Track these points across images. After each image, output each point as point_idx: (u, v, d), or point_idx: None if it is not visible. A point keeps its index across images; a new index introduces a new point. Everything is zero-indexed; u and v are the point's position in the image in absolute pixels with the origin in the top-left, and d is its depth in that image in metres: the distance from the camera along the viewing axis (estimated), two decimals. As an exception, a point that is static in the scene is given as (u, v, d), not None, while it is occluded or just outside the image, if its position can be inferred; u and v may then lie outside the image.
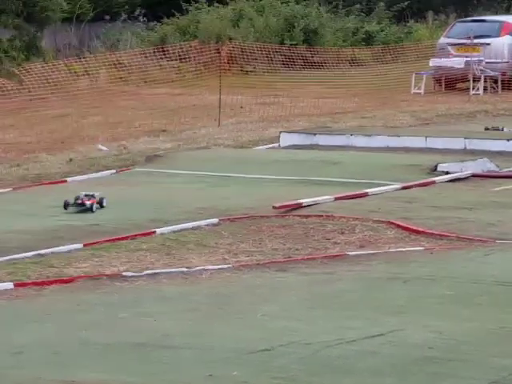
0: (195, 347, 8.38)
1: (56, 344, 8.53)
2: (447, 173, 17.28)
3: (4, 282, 10.62)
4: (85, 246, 12.34)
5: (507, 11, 38.54)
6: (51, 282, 10.71)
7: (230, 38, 39.00)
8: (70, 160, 19.31)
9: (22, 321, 9.36)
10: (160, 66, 36.99)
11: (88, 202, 14.62)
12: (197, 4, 43.52)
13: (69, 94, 30.29)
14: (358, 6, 48.95)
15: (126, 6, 46.34)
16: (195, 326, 9.06)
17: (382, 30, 46.59)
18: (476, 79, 30.92)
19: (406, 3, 49.63)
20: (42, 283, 10.68)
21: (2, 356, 8.29)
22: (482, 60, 31.29)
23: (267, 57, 39.21)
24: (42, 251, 12.04)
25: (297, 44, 42.02)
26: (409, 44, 42.76)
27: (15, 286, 10.55)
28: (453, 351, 8.12)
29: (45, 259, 11.73)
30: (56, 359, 8.15)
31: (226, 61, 33.27)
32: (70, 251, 12.06)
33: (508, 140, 19.77)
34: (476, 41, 32.24)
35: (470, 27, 33.98)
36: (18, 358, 8.17)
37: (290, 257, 11.78)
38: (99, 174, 17.87)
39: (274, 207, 14.54)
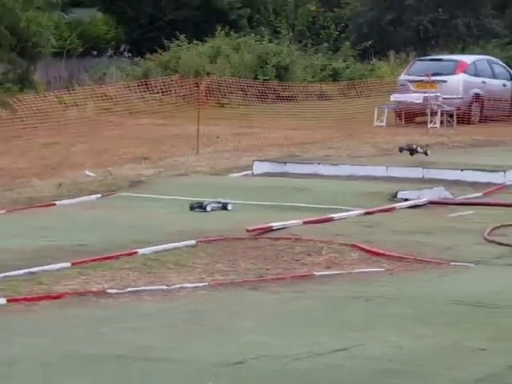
0: (173, 360, 8.44)
1: (44, 356, 8.57)
2: (406, 200, 17.35)
3: (-3, 297, 10.65)
4: (73, 264, 12.36)
5: (462, 51, 38.78)
6: (41, 298, 10.72)
7: (208, 73, 39.04)
8: (60, 185, 19.31)
9: (13, 334, 9.36)
10: (143, 98, 37.01)
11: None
12: (177, 41, 43.49)
13: (59, 123, 30.27)
14: (325, 44, 48.99)
15: (113, 43, 46.35)
16: (173, 341, 9.10)
17: (348, 67, 46.70)
18: (433, 113, 31.02)
19: (369, 42, 49.75)
20: (33, 299, 10.68)
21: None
22: (439, 96, 31.36)
23: (242, 91, 39.28)
24: (33, 269, 12.05)
25: (269, 79, 42.06)
26: (372, 80, 42.86)
27: (8, 301, 10.55)
28: (410, 364, 8.20)
29: (35, 277, 11.74)
30: (44, 370, 8.19)
31: (204, 94, 33.29)
32: (58, 269, 12.09)
33: (462, 170, 19.86)
34: (433, 78, 32.37)
35: (428, 65, 34.21)
36: (9, 368, 8.20)
37: (261, 276, 11.82)
38: (86, 198, 17.87)
39: (247, 230, 14.56)
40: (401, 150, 22.51)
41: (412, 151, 22.06)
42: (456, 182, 18.88)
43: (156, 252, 13.09)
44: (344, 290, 11.13)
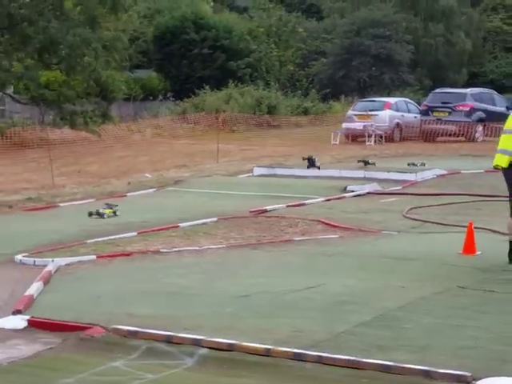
0: (203, 294, 8.54)
1: (121, 291, 8.62)
2: (352, 191, 17.36)
3: (90, 255, 10.66)
4: (138, 233, 12.44)
5: (388, 95, 38.78)
6: (118, 255, 10.78)
7: (224, 110, 38.86)
8: (129, 183, 19.31)
9: (100, 277, 9.42)
10: (182, 127, 36.90)
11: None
12: (204, 90, 43.22)
13: (128, 143, 30.20)
14: (299, 91, 48.72)
15: (162, 91, 46.25)
16: (203, 282, 9.18)
17: (314, 106, 46.38)
18: (369, 135, 30.94)
19: (327, 90, 49.55)
20: (112, 255, 10.74)
21: (87, 299, 8.36)
22: (373, 124, 31.26)
23: (245, 121, 39.14)
24: (112, 237, 12.09)
25: (263, 114, 41.86)
26: (329, 114, 42.79)
27: (97, 257, 10.61)
28: (356, 296, 8.28)
29: (114, 241, 11.78)
30: (121, 300, 8.22)
31: (221, 124, 33.16)
32: (129, 237, 12.13)
33: (388, 172, 19.87)
34: (370, 113, 32.27)
35: (366, 105, 34.11)
36: (98, 302, 8.23)
37: (259, 241, 11.89)
38: (146, 191, 17.90)
39: (250, 211, 14.61)
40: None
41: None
42: (385, 180, 18.90)
43: (191, 225, 13.15)
44: (313, 249, 11.17)
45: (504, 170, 9.37)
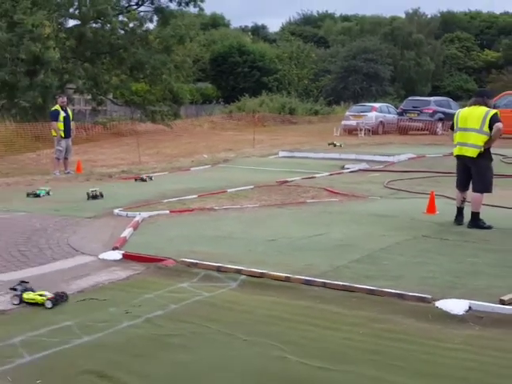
0: (243, 238, 8.52)
1: (186, 235, 8.65)
2: (348, 168, 17.26)
3: (165, 210, 10.67)
4: (198, 196, 12.33)
5: (374, 101, 38.21)
6: (185, 211, 10.75)
7: (258, 111, 38.78)
8: (192, 161, 19.30)
9: (172, 226, 9.42)
10: (229, 122, 36.85)
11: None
12: (245, 97, 43.12)
13: (191, 134, 30.20)
14: (311, 98, 48.77)
15: (215, 97, 46.11)
16: (243, 229, 9.15)
17: (322, 109, 46.20)
18: (361, 130, 30.68)
19: (331, 97, 49.40)
20: (180, 211, 10.72)
21: (163, 240, 8.38)
22: (363, 122, 31.04)
23: (273, 119, 39.06)
24: (180, 198, 12.03)
25: (285, 114, 41.78)
26: (333, 115, 42.56)
27: (170, 211, 10.60)
28: (351, 241, 8.26)
29: (181, 201, 11.70)
30: (186, 241, 8.27)
31: (256, 120, 33.13)
32: (192, 198, 12.08)
33: (374, 155, 19.70)
34: (361, 113, 32.02)
35: (359, 108, 33.76)
36: (171, 242, 8.26)
37: (282, 202, 11.79)
38: (204, 167, 17.83)
39: (276, 181, 14.50)
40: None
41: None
42: (371, 161, 18.74)
43: (235, 191, 13.07)
44: (320, 209, 11.07)
45: (470, 159, 8.96)
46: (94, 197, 11.99)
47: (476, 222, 9.01)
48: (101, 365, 4.49)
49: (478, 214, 9.03)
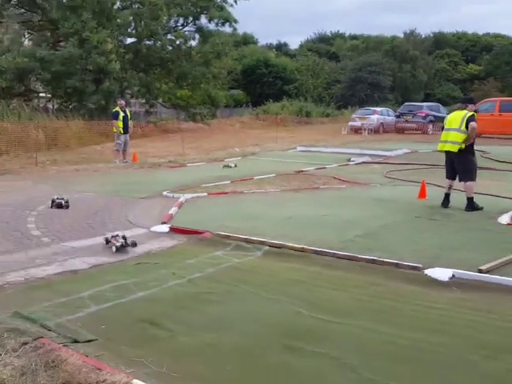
0: (268, 216, 8.54)
1: (221, 213, 8.67)
2: (353, 161, 17.15)
3: (203, 192, 10.70)
4: (231, 182, 12.35)
5: (376, 106, 37.71)
6: (220, 193, 10.77)
7: (280, 114, 38.59)
8: (228, 154, 19.26)
9: (209, 206, 9.45)
10: (256, 123, 36.74)
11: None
12: (269, 102, 42.96)
13: (225, 132, 30.21)
14: (324, 103, 48.70)
15: (245, 102, 45.94)
16: (267, 208, 9.14)
17: (332, 112, 45.93)
18: (364, 130, 30.42)
19: (341, 103, 49.01)
20: (217, 193, 10.74)
21: (202, 217, 8.42)
22: (367, 123, 30.80)
23: (292, 120, 38.82)
24: (216, 183, 12.00)
25: (303, 116, 41.56)
26: (341, 116, 42.13)
27: (208, 194, 10.63)
28: (354, 220, 8.22)
29: (217, 186, 11.73)
30: (221, 218, 8.29)
31: (278, 121, 32.96)
32: (225, 183, 12.10)
33: (375, 150, 19.55)
34: (365, 116, 31.74)
35: (364, 111, 33.41)
36: (208, 218, 8.29)
37: (299, 187, 11.75)
38: (235, 158, 17.72)
39: (294, 171, 14.47)
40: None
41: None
42: (373, 155, 18.59)
43: (260, 178, 13.07)
44: (330, 193, 11.05)
45: (452, 153, 9.08)
46: (59, 206, 9.22)
47: (471, 204, 9.05)
48: (152, 315, 4.57)
49: (472, 198, 9.07)
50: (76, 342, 3.93)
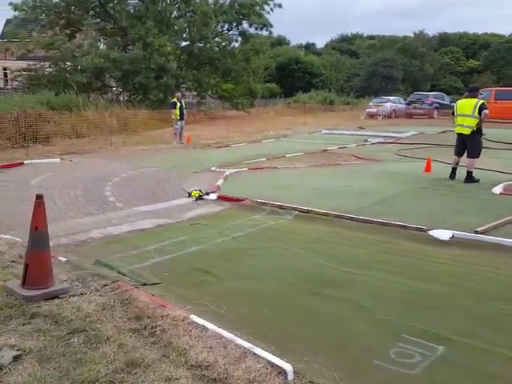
0: (294, 186, 8.46)
1: (258, 184, 8.65)
2: (370, 141, 16.82)
3: (244, 168, 10.68)
4: (266, 159, 12.20)
5: (390, 95, 36.60)
6: (257, 168, 10.69)
7: (308, 103, 37.89)
8: (264, 136, 19.10)
9: (249, 179, 9.43)
10: (287, 111, 36.05)
11: None
12: (298, 93, 42.30)
13: (262, 118, 29.90)
14: (345, 93, 47.61)
15: (279, 93, 45.28)
16: (293, 180, 9.08)
17: (352, 100, 44.87)
18: (379, 115, 29.73)
19: (359, 93, 48.04)
20: (255, 168, 10.69)
21: (243, 187, 8.40)
22: (382, 109, 30.06)
23: (318, 108, 37.89)
24: (255, 160, 11.90)
25: (327, 104, 40.77)
26: (360, 105, 40.89)
27: (248, 169, 10.58)
28: (370, 190, 8.10)
29: (256, 162, 11.59)
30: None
31: (307, 109, 32.41)
32: (262, 160, 11.92)
33: (388, 132, 19.12)
34: (380, 104, 30.97)
35: (379, 100, 32.56)
36: (248, 189, 8.28)
37: (324, 163, 11.60)
38: (270, 140, 17.60)
39: (319, 150, 14.29)
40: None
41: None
42: (386, 136, 18.18)
43: (291, 155, 12.93)
44: (350, 168, 10.87)
45: (466, 135, 8.92)
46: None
47: (470, 177, 8.91)
48: (204, 265, 4.64)
49: (471, 172, 8.94)
50: (145, 284, 4.03)
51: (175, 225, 6.23)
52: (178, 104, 16.33)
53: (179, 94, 17.13)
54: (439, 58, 60.38)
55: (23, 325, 3.12)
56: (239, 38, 30.37)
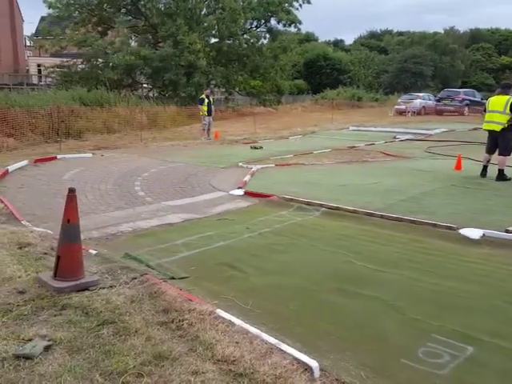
0: (324, 183, 8.39)
1: (285, 180, 8.60)
2: (398, 138, 16.56)
3: (271, 164, 10.63)
4: (293, 155, 12.15)
5: (419, 92, 35.92)
6: (285, 165, 10.64)
7: (336, 99, 37.53)
8: (290, 132, 18.99)
9: (276, 175, 9.39)
10: (315, 107, 35.83)
11: None
12: (326, 90, 41.95)
13: (289, 114, 29.77)
14: (374, 90, 47.07)
15: (306, 90, 45.02)
16: (324, 178, 9.01)
17: (380, 97, 44.27)
18: (408, 112, 29.24)
19: (388, 89, 47.38)
20: (281, 165, 10.63)
21: (270, 183, 8.34)
22: (411, 106, 29.56)
23: (346, 105, 37.56)
24: (282, 156, 11.90)
25: (355, 100, 40.30)
26: (388, 101, 40.28)
27: (275, 165, 10.56)
28: (399, 188, 7.97)
29: (283, 158, 11.57)
30: (286, 184, 8.24)
31: (334, 105, 32.03)
32: (289, 157, 11.94)
33: (417, 129, 18.77)
34: (409, 100, 30.46)
35: (408, 96, 32.03)
36: (275, 185, 8.24)
37: (351, 160, 11.48)
38: (297, 136, 17.53)
39: (347, 146, 14.12)
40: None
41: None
42: (415, 133, 17.88)
43: (318, 152, 12.83)
44: (377, 164, 10.74)
45: (496, 132, 8.76)
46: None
47: (501, 175, 8.72)
48: (230, 260, 4.63)
49: (503, 170, 8.74)
50: (172, 278, 4.05)
51: (203, 220, 6.24)
52: (206, 100, 16.39)
53: (208, 91, 17.19)
54: (470, 54, 59.04)
55: (54, 316, 3.17)
56: (267, 35, 30.29)
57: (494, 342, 3.12)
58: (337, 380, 2.63)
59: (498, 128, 8.72)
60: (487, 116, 8.94)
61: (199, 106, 16.68)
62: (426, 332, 3.23)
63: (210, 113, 16.55)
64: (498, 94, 8.94)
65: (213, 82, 28.14)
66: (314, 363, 2.70)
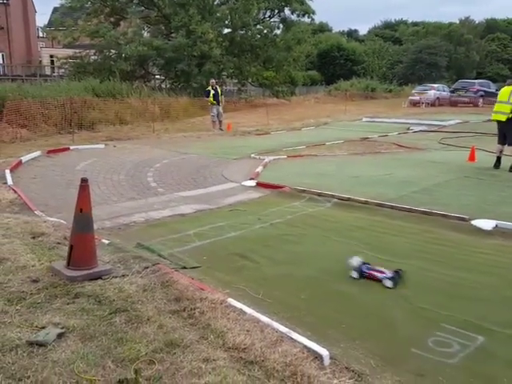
0: (336, 175, 8.36)
1: (297, 172, 8.59)
2: (412, 129, 16.39)
3: (283, 155, 10.60)
4: (306, 146, 12.07)
5: (433, 83, 35.49)
6: (297, 156, 10.62)
7: (349, 90, 37.15)
8: (302, 124, 18.88)
9: (288, 166, 9.38)
10: (328, 98, 35.57)
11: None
12: (340, 81, 41.58)
13: (302, 105, 29.61)
14: (387, 81, 46.50)
15: (320, 81, 44.68)
16: (336, 169, 8.97)
17: (395, 88, 43.56)
18: (422, 103, 28.90)
19: (402, 80, 46.84)
20: (294, 156, 10.60)
21: (282, 175, 8.32)
22: (425, 97, 29.20)
23: (359, 96, 37.07)
24: (295, 147, 11.86)
25: (369, 91, 39.90)
26: (403, 92, 39.87)
27: (287, 156, 10.50)
28: (411, 179, 7.91)
29: (295, 150, 11.52)
30: (298, 176, 8.23)
31: (348, 97, 31.64)
32: (301, 148, 11.89)
33: (431, 120, 18.55)
34: (423, 91, 30.10)
35: (422, 87, 31.65)
36: (287, 176, 8.23)
37: (364, 152, 11.40)
38: (310, 128, 17.41)
39: (360, 138, 14.01)
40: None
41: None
42: (429, 124, 17.68)
43: (331, 143, 12.76)
44: (389, 156, 10.65)
45: (502, 122, 8.86)
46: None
47: None
48: (242, 250, 4.66)
49: None
50: (184, 268, 4.09)
51: (215, 210, 6.27)
52: (212, 92, 16.32)
53: (213, 81, 17.03)
54: (485, 44, 58.04)
55: (67, 304, 3.22)
56: (281, 26, 30.06)
57: (505, 333, 3.11)
58: (346, 368, 2.65)
59: (503, 118, 8.83)
60: (496, 106, 9.07)
61: (205, 99, 16.67)
62: (437, 322, 3.23)
63: (217, 102, 16.47)
64: (506, 85, 9.04)
65: (225, 72, 28.08)
66: (324, 351, 2.72)
